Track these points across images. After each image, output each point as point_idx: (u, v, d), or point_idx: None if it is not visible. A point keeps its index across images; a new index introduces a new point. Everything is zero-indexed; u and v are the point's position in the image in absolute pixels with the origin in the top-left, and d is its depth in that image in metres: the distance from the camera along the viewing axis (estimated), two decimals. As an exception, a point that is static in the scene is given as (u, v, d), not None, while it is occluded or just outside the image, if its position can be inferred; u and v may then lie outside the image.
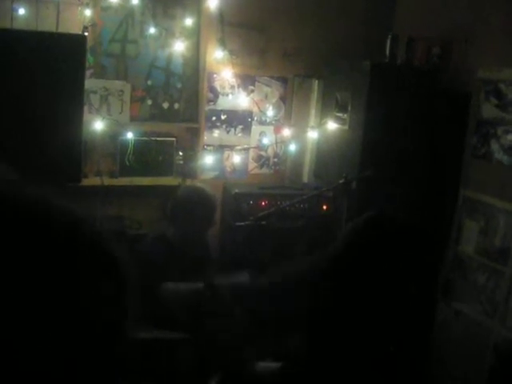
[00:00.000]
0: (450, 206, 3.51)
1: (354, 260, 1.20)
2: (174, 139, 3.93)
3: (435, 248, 3.40)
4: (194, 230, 3.01)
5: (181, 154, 3.96)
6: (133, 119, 3.83)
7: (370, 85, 3.37)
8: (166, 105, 3.92)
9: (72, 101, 3.18)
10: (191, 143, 4.02)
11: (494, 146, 3.27)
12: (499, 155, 3.24)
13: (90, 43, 3.50)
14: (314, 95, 4.23)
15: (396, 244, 1.23)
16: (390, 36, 3.60)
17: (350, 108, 3.54)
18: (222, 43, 3.76)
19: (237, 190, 3.80)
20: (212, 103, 4.02)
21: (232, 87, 4.02)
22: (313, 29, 4.11)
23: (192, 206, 2.99)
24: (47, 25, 3.42)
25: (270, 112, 4.18)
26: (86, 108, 3.44)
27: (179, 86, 3.94)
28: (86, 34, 3.40)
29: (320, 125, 3.90)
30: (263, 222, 3.17)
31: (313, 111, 4.25)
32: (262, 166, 4.26)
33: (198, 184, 3.63)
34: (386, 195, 3.14)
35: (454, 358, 3.34)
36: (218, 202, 3.17)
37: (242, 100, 4.03)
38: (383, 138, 3.38)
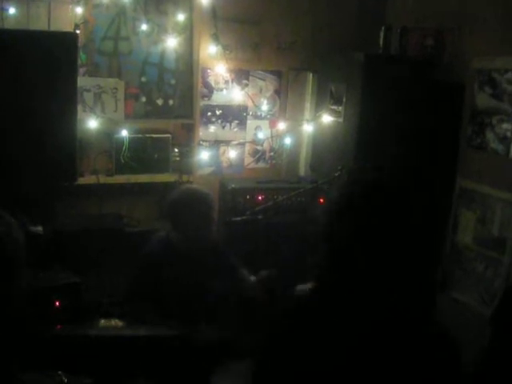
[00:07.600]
0: (447, 197, 3.51)
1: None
2: (169, 136, 3.93)
3: (433, 238, 3.40)
4: (194, 229, 3.00)
5: (176, 150, 3.95)
6: (127, 117, 3.82)
7: (364, 76, 3.35)
8: (160, 101, 3.91)
9: (65, 99, 3.16)
10: (187, 139, 4.02)
11: (489, 135, 3.26)
12: (494, 144, 3.23)
13: (82, 41, 3.50)
14: (309, 88, 4.23)
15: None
16: (383, 27, 3.59)
17: (344, 100, 3.53)
18: (216, 38, 3.75)
19: (233, 185, 3.80)
20: (206, 98, 4.02)
21: (226, 82, 4.01)
22: (306, 22, 4.10)
23: (187, 207, 2.98)
24: (38, 23, 3.41)
25: (265, 106, 4.17)
26: (79, 106, 3.43)
27: (173, 82, 3.93)
28: (78, 31, 3.38)
29: (315, 118, 3.89)
30: (260, 217, 3.17)
31: (308, 104, 4.24)
32: (258, 161, 4.26)
33: (191, 185, 3.63)
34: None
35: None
36: (213, 199, 3.15)
37: (236, 94, 4.03)
38: (378, 129, 3.37)
